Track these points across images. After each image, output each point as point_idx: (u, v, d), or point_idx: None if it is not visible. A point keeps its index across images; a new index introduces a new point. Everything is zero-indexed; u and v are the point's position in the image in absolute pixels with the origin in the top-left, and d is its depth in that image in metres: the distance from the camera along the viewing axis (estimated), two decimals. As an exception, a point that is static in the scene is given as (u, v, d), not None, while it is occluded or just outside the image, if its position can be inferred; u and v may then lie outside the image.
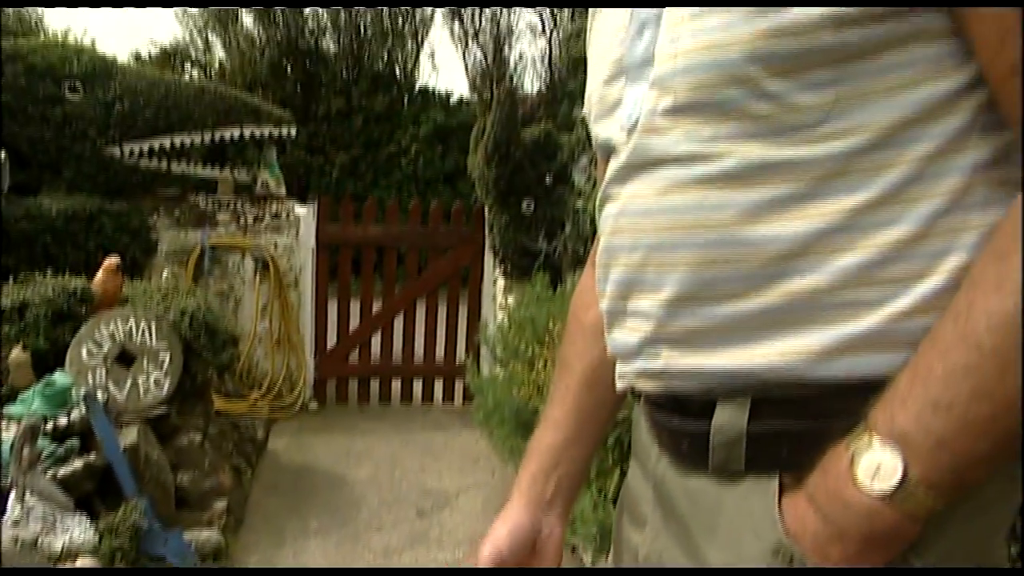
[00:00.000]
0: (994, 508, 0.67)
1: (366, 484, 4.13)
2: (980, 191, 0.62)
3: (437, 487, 4.11)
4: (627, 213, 0.75)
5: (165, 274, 4.78)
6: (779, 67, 0.63)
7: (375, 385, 5.67)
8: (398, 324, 5.58)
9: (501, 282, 5.40)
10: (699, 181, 0.68)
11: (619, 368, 0.82)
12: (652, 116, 0.71)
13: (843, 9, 0.60)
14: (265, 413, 4.99)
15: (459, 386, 5.55)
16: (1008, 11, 0.57)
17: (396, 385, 5.68)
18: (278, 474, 4.25)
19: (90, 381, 3.34)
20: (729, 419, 0.70)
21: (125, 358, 3.44)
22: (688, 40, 0.67)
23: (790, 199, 0.65)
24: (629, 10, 0.76)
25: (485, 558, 0.91)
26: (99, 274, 3.70)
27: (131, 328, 3.47)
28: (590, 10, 0.91)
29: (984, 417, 0.57)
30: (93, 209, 4.80)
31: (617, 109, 0.77)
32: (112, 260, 3.69)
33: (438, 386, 5.69)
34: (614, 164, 0.78)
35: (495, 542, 0.91)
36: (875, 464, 0.59)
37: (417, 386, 5.70)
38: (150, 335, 3.49)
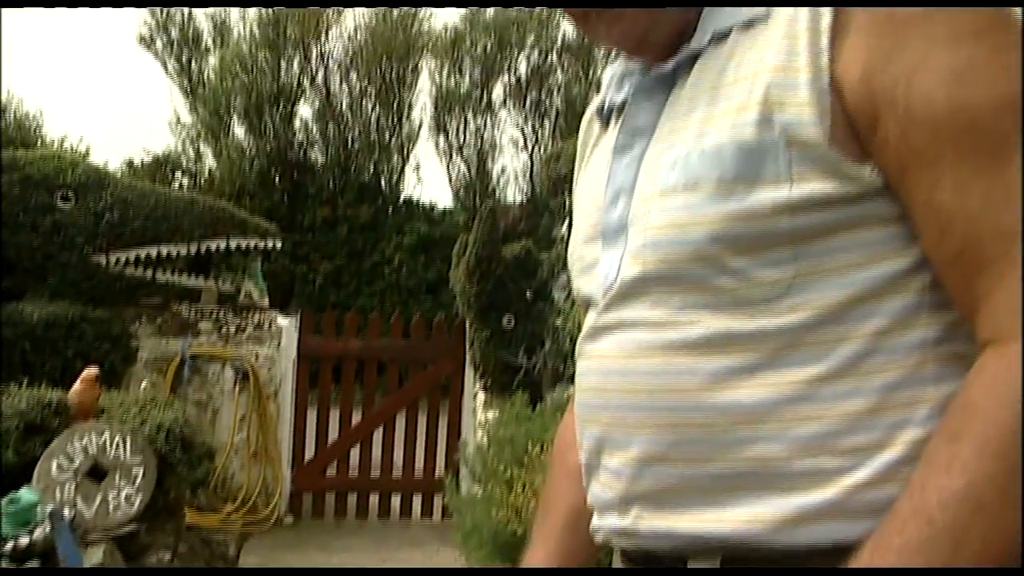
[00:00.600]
0: None
1: (339, 606, 3.99)
2: (932, 366, 0.66)
3: (413, 610, 3.98)
4: (598, 372, 0.79)
5: (144, 384, 4.74)
6: (740, 247, 0.68)
7: (352, 499, 5.56)
8: (377, 437, 5.53)
9: (481, 396, 5.40)
10: (666, 347, 0.72)
11: (595, 521, 0.84)
12: (624, 282, 0.75)
13: (797, 196, 0.66)
14: (238, 527, 4.86)
15: (438, 501, 5.44)
16: (946, 204, 0.63)
17: (374, 499, 5.57)
18: (248, 594, 4.11)
19: (58, 497, 3.26)
20: None
21: (97, 472, 3.37)
22: (657, 216, 0.72)
23: (752, 368, 0.69)
24: (607, 176, 0.81)
25: None
26: (76, 385, 3.68)
27: (105, 441, 3.42)
28: (575, 167, 0.97)
29: None
30: (74, 316, 4.80)
31: (595, 268, 0.81)
32: (91, 371, 3.67)
33: (417, 501, 5.58)
34: (588, 321, 0.82)
35: None
36: None
37: (395, 501, 5.59)
38: (124, 449, 3.44)
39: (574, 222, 0.92)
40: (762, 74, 0.67)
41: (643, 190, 0.75)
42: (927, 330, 0.67)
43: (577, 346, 0.86)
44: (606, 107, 0.86)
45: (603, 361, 0.78)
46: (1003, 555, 0.59)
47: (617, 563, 0.87)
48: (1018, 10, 0.66)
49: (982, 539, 0.58)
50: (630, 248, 0.75)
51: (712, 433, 0.70)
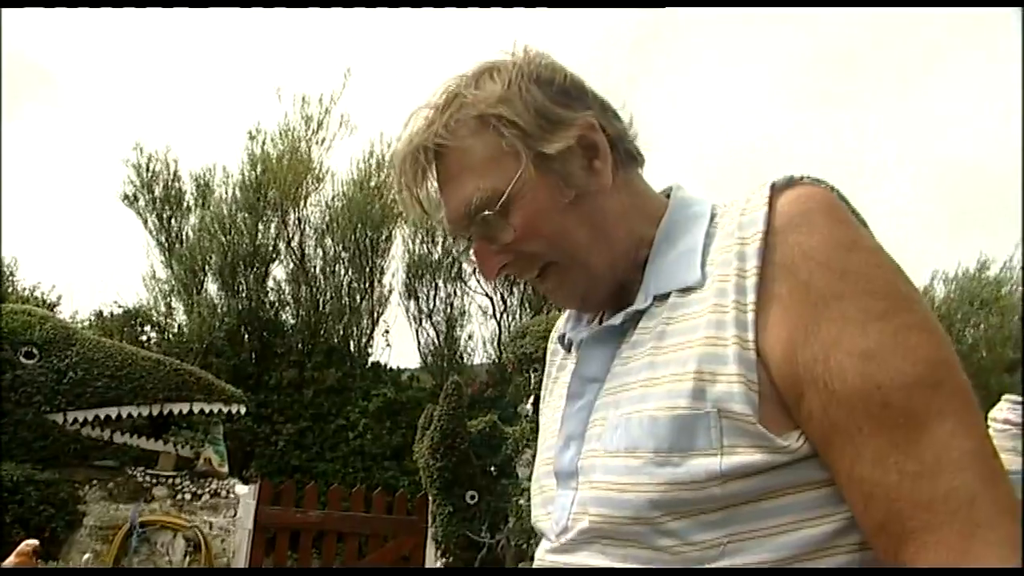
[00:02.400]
0: None
1: None
2: None
3: None
4: None
5: (86, 556, 4.52)
6: (676, 511, 0.72)
7: None
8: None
9: None
10: None
11: None
12: (573, 531, 0.79)
13: (728, 466, 0.70)
14: None
15: None
16: (867, 477, 0.67)
17: None
18: None
19: None
20: None
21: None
22: (601, 475, 0.77)
23: None
24: (560, 418, 0.87)
25: None
26: (11, 557, 3.50)
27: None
28: (543, 386, 1.01)
29: None
30: (19, 478, 4.63)
31: (551, 504, 0.86)
32: (28, 544, 3.52)
33: None
34: (540, 555, 0.86)
35: None
36: None
37: None
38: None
39: (539, 446, 0.96)
40: (695, 346, 0.72)
41: (591, 443, 0.80)
42: None
43: (538, 556, 0.88)
44: (566, 338, 0.92)
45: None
46: None
47: None
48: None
49: None
50: (579, 498, 0.79)
51: None
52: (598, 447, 0.78)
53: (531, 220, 0.79)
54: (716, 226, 0.78)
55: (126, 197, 14.06)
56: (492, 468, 4.68)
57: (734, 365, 0.69)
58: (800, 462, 0.70)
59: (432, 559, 5.34)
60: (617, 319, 0.81)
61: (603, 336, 0.84)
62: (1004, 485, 0.66)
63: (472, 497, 4.69)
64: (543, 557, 0.84)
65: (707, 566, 0.71)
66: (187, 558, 4.99)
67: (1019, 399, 2.71)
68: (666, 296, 0.78)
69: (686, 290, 0.76)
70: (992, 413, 2.69)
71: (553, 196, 0.79)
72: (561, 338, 0.95)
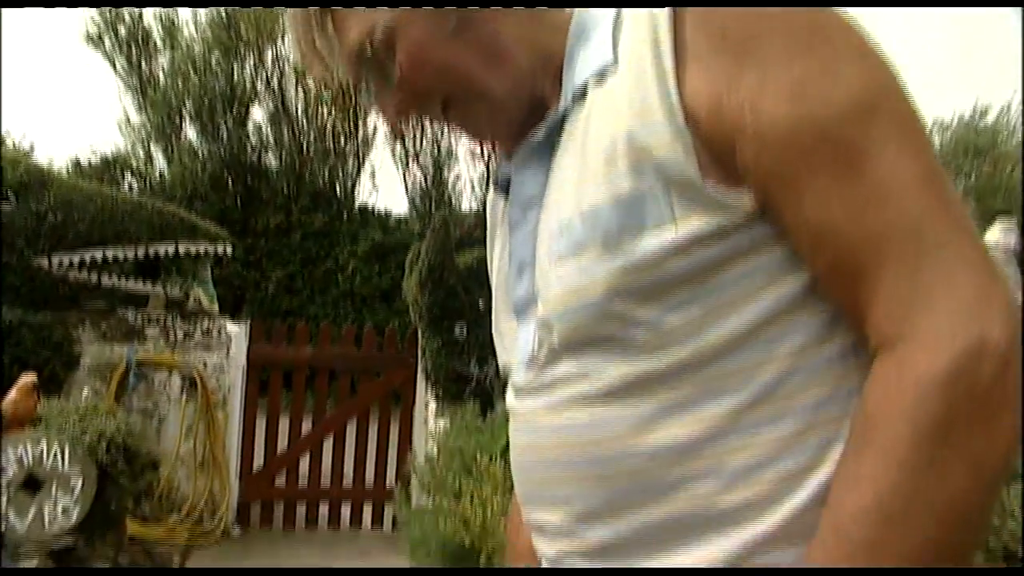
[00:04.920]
0: None
1: (286, 619, 3.92)
2: (856, 377, 0.66)
3: (361, 622, 3.93)
4: (528, 430, 0.79)
5: (85, 392, 4.61)
6: (641, 297, 0.68)
7: (302, 509, 5.47)
8: (328, 446, 5.46)
9: (433, 406, 5.37)
10: (589, 399, 0.72)
11: (544, 565, 0.84)
12: (542, 351, 0.76)
13: (684, 236, 0.66)
14: (183, 539, 4.75)
15: (389, 511, 5.40)
16: (811, 220, 0.64)
17: (324, 509, 5.49)
18: (191, 608, 4.02)
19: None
20: None
21: (32, 484, 3.27)
22: (555, 286, 0.73)
23: (675, 409, 0.68)
24: (509, 251, 0.83)
25: None
26: (12, 392, 3.56)
27: (42, 451, 3.31)
28: (488, 241, 0.97)
29: None
30: (13, 320, 4.65)
31: (514, 343, 0.83)
32: (27, 379, 3.56)
33: (367, 511, 5.52)
34: (512, 383, 0.83)
35: None
36: None
37: (345, 511, 5.52)
38: (62, 459, 3.34)
39: (493, 296, 0.92)
40: (621, 124, 0.67)
41: (541, 262, 0.76)
42: (844, 342, 0.67)
43: (507, 405, 0.86)
44: (500, 180, 0.87)
45: (532, 419, 0.78)
46: (920, 559, 0.59)
47: None
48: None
49: (897, 549, 0.59)
50: (540, 319, 0.76)
51: (645, 479, 0.69)
52: (547, 261, 0.74)
53: (414, 53, 0.75)
54: (623, 13, 0.72)
55: (90, 39, 13.42)
56: (480, 302, 4.72)
57: (666, 133, 0.65)
58: (756, 220, 0.66)
59: (422, 393, 5.50)
60: (540, 133, 0.76)
61: (531, 155, 0.78)
62: (956, 208, 0.63)
63: (461, 331, 4.76)
64: (518, 385, 0.81)
65: (690, 347, 0.67)
66: (184, 395, 5.12)
67: (1013, 221, 2.69)
68: (584, 92, 0.72)
69: (601, 77, 0.71)
70: (986, 236, 2.69)
71: (433, 25, 0.74)
72: (496, 183, 0.88)
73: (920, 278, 0.61)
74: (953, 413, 0.59)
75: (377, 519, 5.51)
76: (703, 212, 0.65)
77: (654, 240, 0.66)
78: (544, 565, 0.84)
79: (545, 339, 0.75)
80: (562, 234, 0.72)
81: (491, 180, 0.91)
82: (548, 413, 0.75)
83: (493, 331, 0.91)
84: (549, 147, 0.76)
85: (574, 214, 0.71)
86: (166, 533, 4.69)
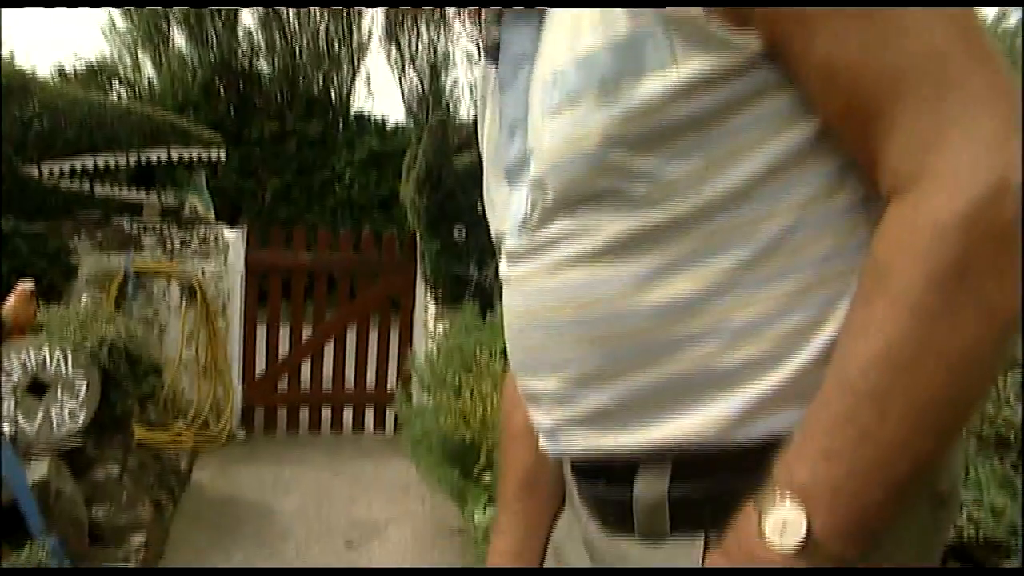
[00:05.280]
0: (913, 549, 0.68)
1: (294, 516, 4.03)
2: (865, 231, 0.63)
3: (366, 517, 4.04)
4: (521, 295, 0.76)
5: (85, 300, 4.61)
6: (640, 147, 0.64)
7: (305, 413, 5.57)
8: (328, 351, 5.51)
9: (432, 309, 5.39)
10: (586, 258, 0.69)
11: (542, 443, 0.82)
12: (535, 213, 0.72)
13: (687, 77, 0.61)
14: (190, 443, 4.84)
15: (390, 414, 5.49)
16: (824, 57, 0.59)
17: (326, 413, 5.59)
18: (202, 506, 4.12)
19: (-3, 414, 3.18)
20: (650, 486, 0.70)
21: (37, 388, 3.30)
22: (548, 140, 0.69)
23: (676, 264, 0.65)
24: (499, 113, 0.78)
25: None
26: (10, 299, 3.55)
27: (45, 357, 3.33)
28: (478, 115, 0.92)
29: (871, 461, 0.58)
30: (7, 230, 4.61)
31: (506, 210, 0.79)
32: (26, 285, 3.55)
33: (369, 414, 5.62)
34: (505, 250, 0.80)
35: None
36: (781, 520, 0.60)
37: (347, 414, 5.62)
38: (65, 364, 3.36)
39: (484, 162, 0.88)
40: None
41: (534, 118, 0.71)
42: (854, 194, 0.64)
43: (500, 274, 0.83)
44: (489, 46, 0.81)
45: (526, 283, 0.75)
46: (930, 412, 0.58)
47: (568, 474, 0.87)
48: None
49: (905, 399, 0.57)
50: (533, 179, 0.72)
51: (645, 340, 0.67)
52: (538, 116, 0.69)
53: None
54: None
55: (70, -63, 12.87)
56: (479, 204, 4.65)
57: None
58: (762, 63, 0.61)
59: (422, 297, 5.51)
60: None
61: (521, 12, 0.73)
62: (982, 39, 0.59)
63: (460, 233, 4.72)
64: (510, 250, 0.77)
65: (692, 200, 0.64)
66: (183, 303, 5.12)
67: None
68: None
69: None
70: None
71: None
72: (486, 50, 0.82)
73: (941, 114, 0.57)
74: (970, 256, 0.56)
75: (379, 422, 5.61)
76: (706, 53, 0.61)
77: (654, 84, 0.62)
78: (541, 440, 0.83)
79: (539, 199, 0.72)
80: (555, 85, 0.67)
81: (481, 49, 0.86)
82: (543, 275, 0.72)
83: (484, 201, 0.88)
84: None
85: (568, 63, 0.66)
86: (172, 438, 4.78)
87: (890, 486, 0.59)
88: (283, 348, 5.52)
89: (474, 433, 2.84)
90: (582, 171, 0.67)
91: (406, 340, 5.57)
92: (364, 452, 5.16)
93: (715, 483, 0.67)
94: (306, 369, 5.53)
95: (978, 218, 0.55)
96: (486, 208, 0.88)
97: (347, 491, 4.41)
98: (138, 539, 3.38)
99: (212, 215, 5.39)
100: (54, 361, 3.34)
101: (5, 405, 3.18)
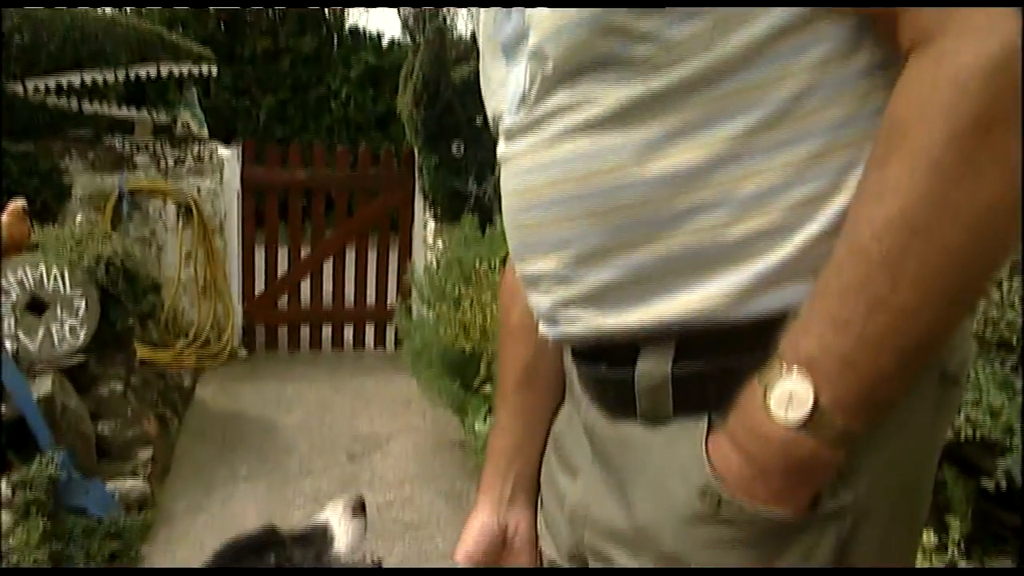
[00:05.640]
0: (921, 430, 0.67)
1: (296, 430, 4.09)
2: (882, 96, 0.60)
3: (368, 431, 4.09)
4: (520, 173, 0.73)
5: (80, 219, 4.57)
6: (644, 7, 0.60)
7: (305, 332, 5.59)
8: (328, 269, 5.49)
9: (432, 225, 5.34)
10: (588, 127, 0.65)
11: (542, 329, 0.80)
12: (534, 86, 0.68)
13: None
14: (192, 362, 4.88)
15: (390, 331, 5.51)
16: None
17: (327, 331, 5.61)
18: (206, 422, 4.18)
19: (-3, 332, 3.18)
20: (653, 365, 0.68)
21: (37, 306, 3.29)
22: (548, 6, 0.64)
23: (682, 131, 0.62)
24: None
25: (460, 563, 0.94)
26: (3, 217, 3.51)
27: (42, 274, 3.32)
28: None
29: (883, 329, 0.56)
30: (-4, 149, 4.53)
31: (503, 88, 0.75)
32: (17, 203, 3.50)
33: (369, 331, 5.64)
34: (503, 128, 0.76)
35: (465, 546, 0.94)
36: (787, 393, 0.58)
37: (348, 332, 5.64)
38: (63, 282, 3.34)
39: (480, 45, 0.83)
40: None
41: None
42: (870, 55, 0.60)
43: (498, 155, 0.79)
44: None
45: (525, 159, 0.71)
46: (945, 277, 0.55)
47: (568, 359, 0.85)
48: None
49: (920, 264, 0.54)
50: (532, 49, 0.67)
51: (649, 211, 0.64)
52: None
53: None
54: None
55: None
56: (478, 117, 4.56)
57: None
58: None
59: (421, 212, 5.46)
60: None
61: None
62: None
63: (458, 148, 4.65)
64: (508, 127, 0.73)
65: (698, 63, 0.60)
66: (180, 222, 5.08)
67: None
68: None
69: None
70: None
71: None
72: None
73: None
74: (993, 111, 0.52)
75: (380, 340, 5.64)
76: None
77: None
78: (540, 326, 0.81)
79: (537, 71, 0.67)
80: None
81: None
82: (542, 149, 0.69)
83: (481, 83, 0.84)
84: None
85: None
86: (175, 357, 4.81)
87: (900, 357, 0.57)
88: (282, 266, 5.50)
89: (474, 344, 2.84)
90: (583, 35, 0.62)
91: (405, 257, 5.54)
92: (365, 369, 5.20)
93: (720, 361, 0.65)
94: (306, 288, 5.52)
95: (1002, 71, 0.52)
96: (482, 86, 0.83)
97: (349, 407, 4.46)
98: (145, 453, 3.43)
99: (205, 132, 5.28)
100: (51, 279, 3.33)
101: (5, 323, 3.18)
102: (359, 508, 1.27)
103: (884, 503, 0.66)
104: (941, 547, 2.31)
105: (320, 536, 1.25)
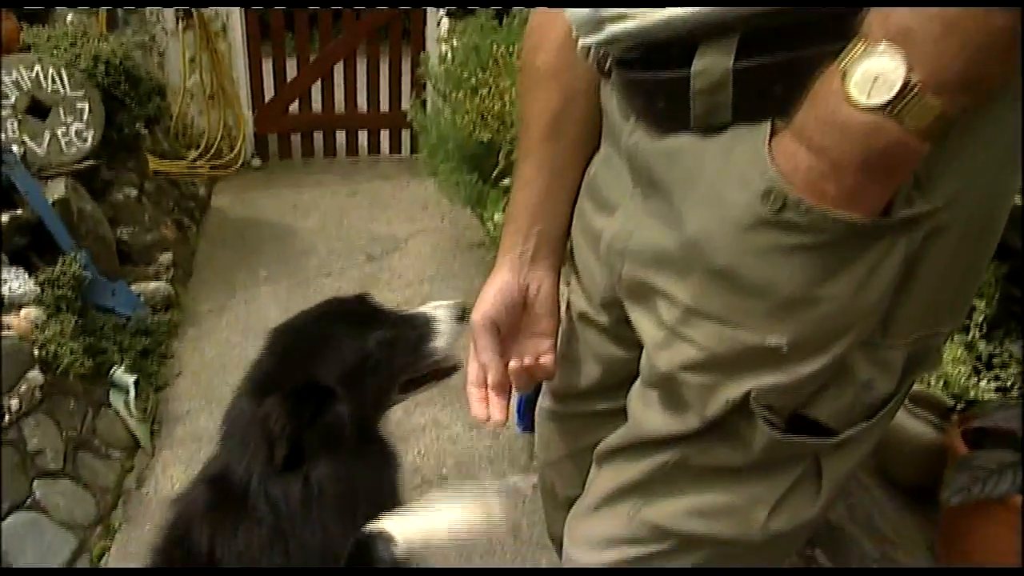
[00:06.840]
0: (1007, 149, 0.60)
1: (314, 234, 4.08)
2: None
3: (386, 233, 4.08)
4: None
5: (70, 18, 4.34)
6: None
7: (319, 139, 5.46)
8: (339, 73, 5.27)
9: (446, 23, 5.05)
10: None
11: (584, 38, 0.72)
12: None
13: None
14: (205, 173, 4.81)
15: (406, 136, 5.38)
16: None
17: (341, 138, 5.48)
18: (224, 229, 4.18)
19: (1, 136, 3.10)
20: (712, 61, 0.59)
21: (39, 110, 3.19)
22: None
23: None
24: None
25: (477, 325, 0.89)
26: (-5, 12, 3.33)
27: (38, 75, 3.19)
28: None
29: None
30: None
31: None
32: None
33: (384, 137, 5.51)
34: None
35: (483, 307, 0.90)
36: (872, 74, 0.50)
37: (363, 138, 5.51)
38: (62, 83, 3.22)
39: None
40: None
41: None
42: None
43: None
44: None
45: None
46: None
47: (606, 89, 0.78)
48: None
49: None
50: None
51: None
52: None
53: None
54: None
55: None
56: None
57: None
58: None
59: (434, 9, 5.14)
60: None
61: None
62: None
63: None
64: None
65: None
66: (180, 24, 4.84)
67: None
68: None
69: None
70: None
71: None
72: None
73: None
74: None
75: (395, 146, 5.52)
76: None
77: None
78: (582, 36, 0.71)
79: None
80: None
81: None
82: None
83: None
84: None
85: None
86: (188, 167, 4.74)
87: (1010, 18, 0.48)
88: (291, 71, 5.28)
89: (492, 133, 2.72)
90: None
91: (419, 57, 5.28)
92: (381, 174, 5.12)
93: (788, 53, 0.56)
94: (316, 92, 5.33)
95: None
96: None
97: (366, 211, 4.43)
98: (165, 257, 3.45)
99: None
100: (49, 80, 3.20)
101: (7, 125, 3.09)
102: (461, 315, 1.24)
103: (960, 218, 0.60)
104: (962, 328, 2.30)
105: (423, 324, 1.23)
